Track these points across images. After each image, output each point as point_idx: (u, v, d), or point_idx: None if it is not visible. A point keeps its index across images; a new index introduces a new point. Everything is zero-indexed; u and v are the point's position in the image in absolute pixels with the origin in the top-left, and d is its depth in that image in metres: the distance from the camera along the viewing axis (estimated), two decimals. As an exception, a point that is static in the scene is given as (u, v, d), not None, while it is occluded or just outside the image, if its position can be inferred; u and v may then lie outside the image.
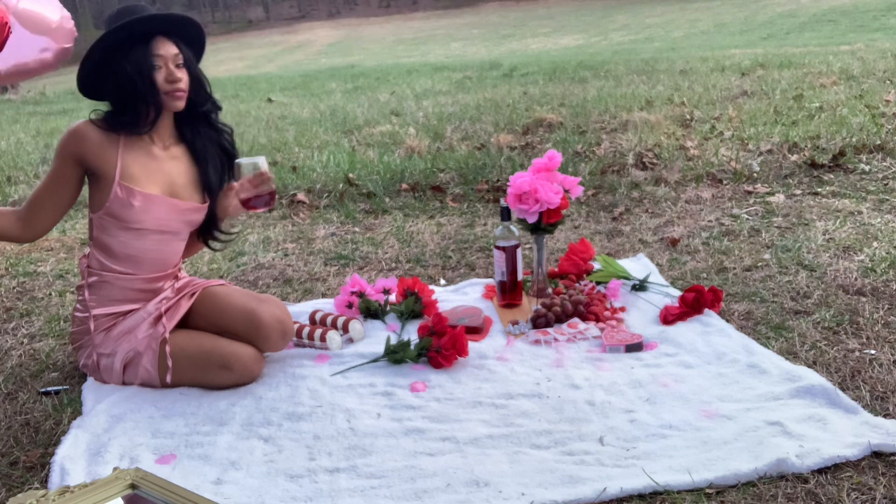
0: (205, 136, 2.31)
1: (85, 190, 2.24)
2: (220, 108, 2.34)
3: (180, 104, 2.18)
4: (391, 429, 1.93)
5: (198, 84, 2.23)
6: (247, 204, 2.26)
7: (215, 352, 2.17)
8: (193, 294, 2.30)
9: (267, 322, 2.21)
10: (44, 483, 1.79)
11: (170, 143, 2.27)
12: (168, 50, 2.14)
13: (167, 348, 2.17)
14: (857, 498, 1.55)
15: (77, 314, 2.28)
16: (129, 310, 2.25)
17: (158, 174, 2.22)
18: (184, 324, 2.28)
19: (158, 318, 2.24)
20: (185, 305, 2.27)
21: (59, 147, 2.16)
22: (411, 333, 2.45)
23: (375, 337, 2.48)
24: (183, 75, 2.17)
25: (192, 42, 2.24)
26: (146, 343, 2.20)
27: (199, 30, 2.26)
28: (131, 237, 2.19)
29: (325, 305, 2.73)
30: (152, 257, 2.24)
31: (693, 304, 2.45)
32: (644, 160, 4.49)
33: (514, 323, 2.50)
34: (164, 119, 2.22)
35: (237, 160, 2.24)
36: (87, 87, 2.20)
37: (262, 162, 2.25)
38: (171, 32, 2.17)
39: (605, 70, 9.20)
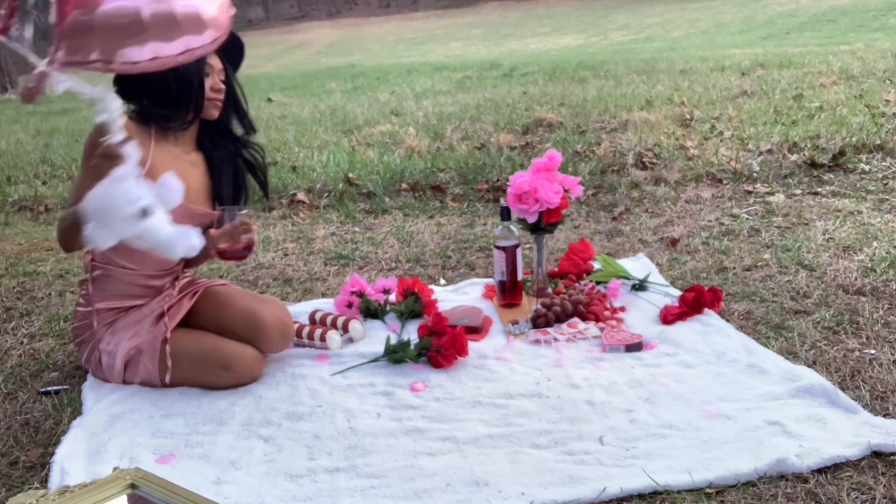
0: (223, 148, 2.35)
1: (64, 187, 2.24)
2: (254, 130, 2.40)
3: (216, 113, 2.25)
4: (391, 428, 1.93)
5: (234, 101, 2.31)
6: (222, 254, 2.21)
7: (216, 352, 2.17)
8: (195, 293, 2.31)
9: (268, 323, 2.23)
10: (44, 483, 1.79)
11: (189, 148, 2.30)
12: (217, 63, 2.24)
13: (167, 348, 2.17)
14: (856, 498, 1.55)
15: (79, 308, 2.28)
16: (132, 305, 2.26)
17: (179, 175, 2.22)
18: (185, 323, 2.28)
19: (160, 317, 2.24)
20: (187, 305, 2.28)
21: (91, 144, 2.06)
22: (411, 333, 2.45)
23: (375, 337, 2.48)
24: (223, 88, 2.25)
25: (232, 60, 2.31)
26: (148, 341, 2.20)
27: (243, 51, 2.32)
28: None
29: (325, 305, 2.73)
30: (155, 255, 2.23)
31: (693, 303, 2.45)
32: (644, 160, 4.49)
33: (514, 323, 2.50)
34: (195, 124, 2.27)
35: (220, 207, 2.24)
36: (125, 81, 2.15)
37: (245, 214, 2.23)
38: (221, 50, 2.21)
39: (605, 70, 9.19)
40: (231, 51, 2.25)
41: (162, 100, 2.15)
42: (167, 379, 2.18)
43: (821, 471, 1.64)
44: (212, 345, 2.19)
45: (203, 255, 2.31)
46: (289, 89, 10.74)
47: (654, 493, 1.61)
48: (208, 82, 2.20)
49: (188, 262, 2.40)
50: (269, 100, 9.38)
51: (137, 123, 2.19)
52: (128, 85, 2.15)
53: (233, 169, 2.38)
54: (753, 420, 1.83)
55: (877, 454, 1.68)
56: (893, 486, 1.57)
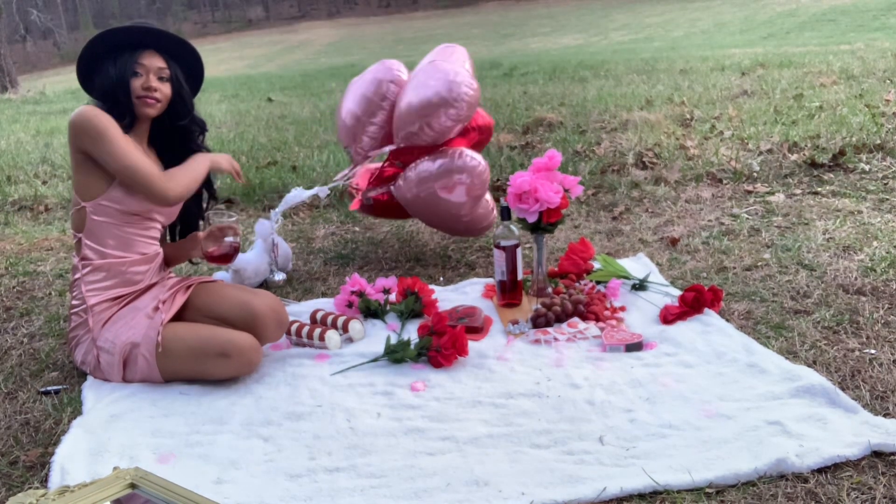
0: (177, 151, 2.41)
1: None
2: (205, 130, 2.47)
3: (150, 111, 2.29)
4: (391, 428, 1.93)
5: (180, 102, 2.35)
6: (210, 256, 2.35)
7: (213, 340, 2.19)
8: (189, 287, 2.37)
9: (262, 310, 2.29)
10: (44, 482, 1.79)
11: (143, 146, 2.38)
12: (153, 62, 2.28)
13: (159, 338, 2.19)
14: (856, 497, 1.55)
15: (73, 311, 2.31)
16: (123, 294, 2.29)
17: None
18: (180, 319, 2.32)
19: (155, 310, 2.27)
20: (181, 299, 2.33)
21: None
22: (411, 333, 2.45)
23: (375, 336, 2.48)
24: (162, 87, 2.29)
25: (190, 68, 2.39)
26: (144, 333, 2.22)
27: (195, 55, 2.39)
28: (127, 220, 2.28)
29: (325, 305, 2.73)
30: (141, 241, 2.33)
31: (693, 303, 2.45)
32: (644, 160, 4.49)
33: (514, 322, 2.50)
34: (142, 123, 2.33)
35: (208, 212, 2.33)
36: (83, 80, 2.36)
37: (233, 220, 2.35)
38: (167, 52, 2.31)
39: (605, 69, 9.20)
40: (183, 56, 2.36)
41: (103, 97, 2.27)
42: (163, 366, 2.20)
43: (821, 470, 1.64)
44: (208, 333, 2.22)
45: (184, 255, 2.47)
46: (289, 89, 10.74)
47: (654, 493, 1.61)
48: (138, 81, 2.25)
49: (168, 261, 2.48)
50: (270, 99, 9.38)
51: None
52: (85, 84, 2.35)
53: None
54: (753, 420, 1.83)
55: (877, 454, 1.67)
56: (893, 486, 1.57)
